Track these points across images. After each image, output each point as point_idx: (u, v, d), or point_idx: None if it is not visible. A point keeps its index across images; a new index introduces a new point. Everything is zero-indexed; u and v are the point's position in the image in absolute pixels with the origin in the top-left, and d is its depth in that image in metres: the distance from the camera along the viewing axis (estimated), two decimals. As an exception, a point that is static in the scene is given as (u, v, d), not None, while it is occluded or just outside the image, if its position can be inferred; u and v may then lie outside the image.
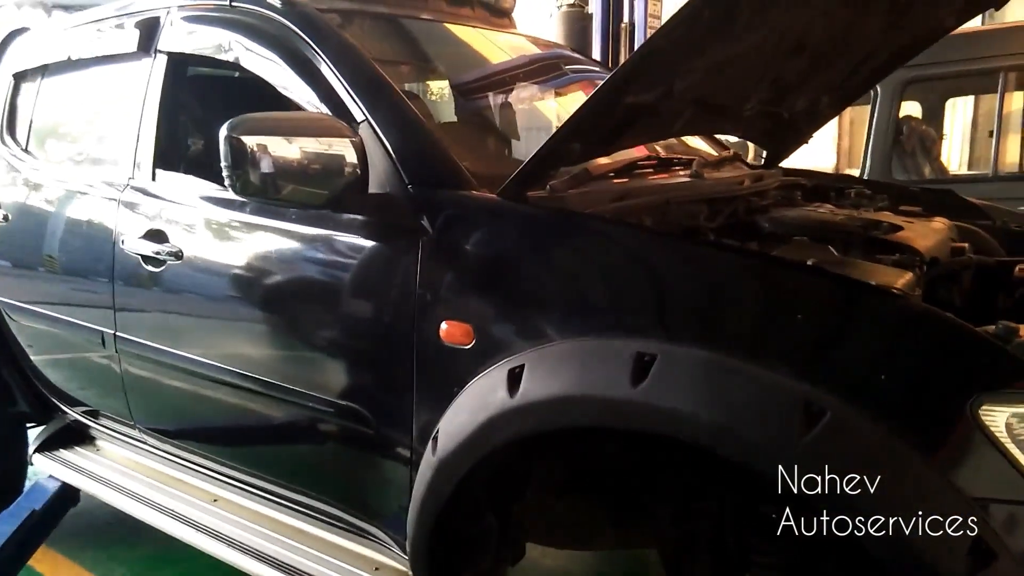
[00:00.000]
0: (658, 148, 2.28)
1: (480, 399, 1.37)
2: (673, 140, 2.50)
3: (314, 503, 1.93)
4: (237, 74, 2.19)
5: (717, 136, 2.65)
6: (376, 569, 1.81)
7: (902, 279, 1.31)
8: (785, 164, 2.66)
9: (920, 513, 0.99)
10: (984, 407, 1.02)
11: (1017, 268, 1.62)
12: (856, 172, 4.03)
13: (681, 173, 2.00)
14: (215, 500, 2.18)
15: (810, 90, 2.02)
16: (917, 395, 1.07)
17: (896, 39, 1.98)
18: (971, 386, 1.04)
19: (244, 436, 2.08)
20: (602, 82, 1.34)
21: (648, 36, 4.90)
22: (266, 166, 1.53)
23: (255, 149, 1.52)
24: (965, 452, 1.03)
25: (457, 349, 1.44)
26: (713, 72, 1.57)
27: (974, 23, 4.46)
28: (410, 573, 1.73)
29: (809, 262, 1.32)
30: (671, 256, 1.32)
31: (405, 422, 1.56)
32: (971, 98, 6.04)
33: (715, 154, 2.39)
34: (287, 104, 1.88)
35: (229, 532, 2.04)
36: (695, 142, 2.57)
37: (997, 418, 1.02)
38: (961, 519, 0.99)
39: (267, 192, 1.56)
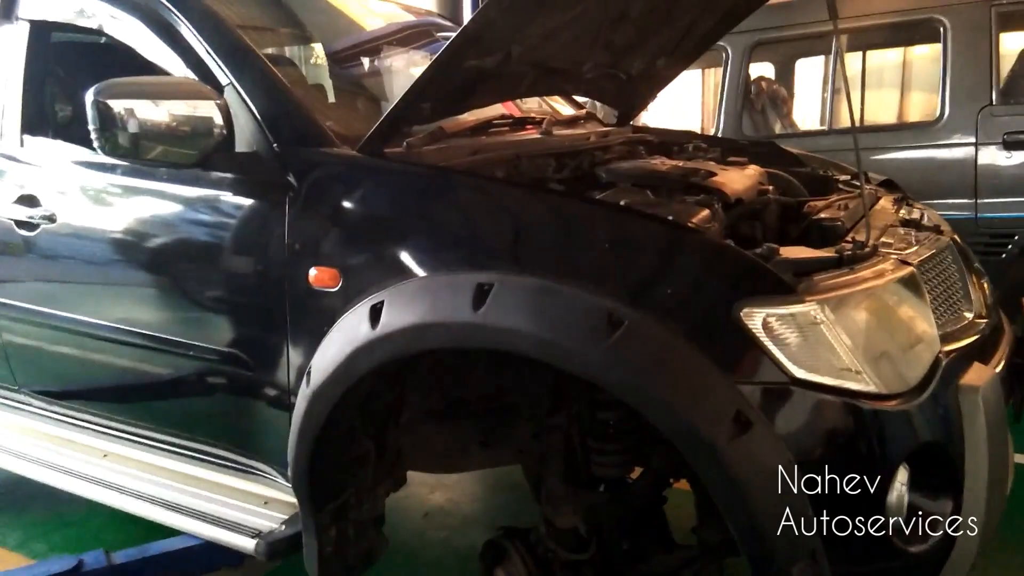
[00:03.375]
0: (516, 108, 2.49)
1: (347, 333, 1.54)
2: (534, 101, 2.71)
3: (203, 447, 2.06)
4: (104, 40, 2.23)
5: (576, 97, 2.89)
6: (265, 503, 1.97)
7: (698, 215, 1.56)
8: (662, 124, 2.92)
9: (693, 393, 1.25)
10: (745, 310, 1.29)
11: (807, 205, 1.92)
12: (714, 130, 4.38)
13: (533, 131, 2.21)
14: (105, 455, 2.26)
15: (643, 54, 2.27)
16: (695, 304, 1.33)
17: (717, 8, 2.25)
18: (736, 294, 1.30)
19: (132, 390, 2.17)
20: (442, 48, 1.52)
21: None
22: (133, 128, 1.64)
23: (122, 112, 1.62)
24: (731, 346, 1.29)
25: (326, 292, 1.61)
26: (546, 38, 1.77)
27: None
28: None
29: (621, 202, 1.56)
30: (506, 201, 1.52)
31: (281, 362, 1.72)
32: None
33: (570, 114, 2.62)
34: (155, 69, 1.96)
35: (122, 482, 2.13)
36: (557, 104, 2.80)
37: (756, 318, 1.29)
38: (725, 397, 1.25)
39: (136, 153, 1.67)
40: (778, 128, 4.74)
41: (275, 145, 1.71)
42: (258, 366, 1.78)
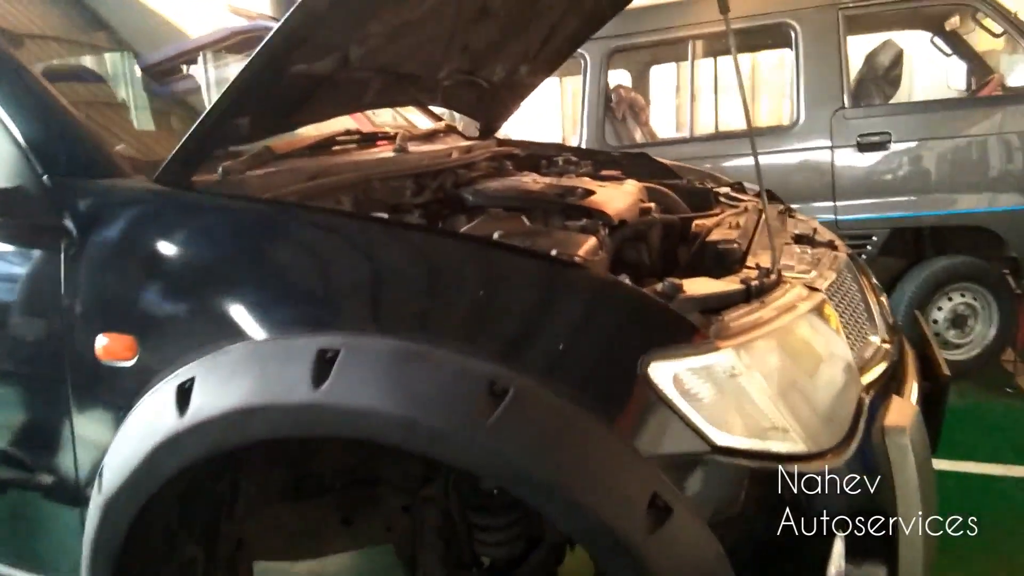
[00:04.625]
0: (368, 122, 2.18)
1: (146, 423, 1.18)
2: (388, 114, 2.41)
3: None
4: None
5: (432, 108, 2.60)
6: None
7: (585, 245, 1.32)
8: (520, 136, 2.68)
9: (602, 479, 1.00)
10: (652, 365, 1.05)
11: (694, 223, 1.73)
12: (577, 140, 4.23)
13: (386, 147, 1.91)
14: None
15: (505, 59, 2.02)
16: (593, 360, 1.08)
17: (581, 8, 2.04)
18: (640, 346, 1.06)
19: None
20: (255, 50, 1.19)
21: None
22: None
23: None
24: (640, 412, 1.05)
25: (119, 367, 1.24)
26: (392, 39, 1.48)
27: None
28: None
29: (495, 235, 1.29)
30: (353, 240, 1.21)
31: (66, 459, 1.32)
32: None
33: (426, 127, 2.34)
34: None
35: None
36: (414, 116, 2.50)
37: (665, 374, 1.05)
38: (639, 478, 1.01)
39: None
40: (639, 137, 4.67)
41: (45, 178, 1.32)
42: (36, 464, 1.36)
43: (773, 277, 1.30)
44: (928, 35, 4.14)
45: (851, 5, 3.60)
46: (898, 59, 3.94)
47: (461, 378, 1.03)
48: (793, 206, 3.66)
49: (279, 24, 1.16)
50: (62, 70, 1.96)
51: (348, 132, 1.83)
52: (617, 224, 1.64)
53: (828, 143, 3.65)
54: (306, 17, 1.18)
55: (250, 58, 1.19)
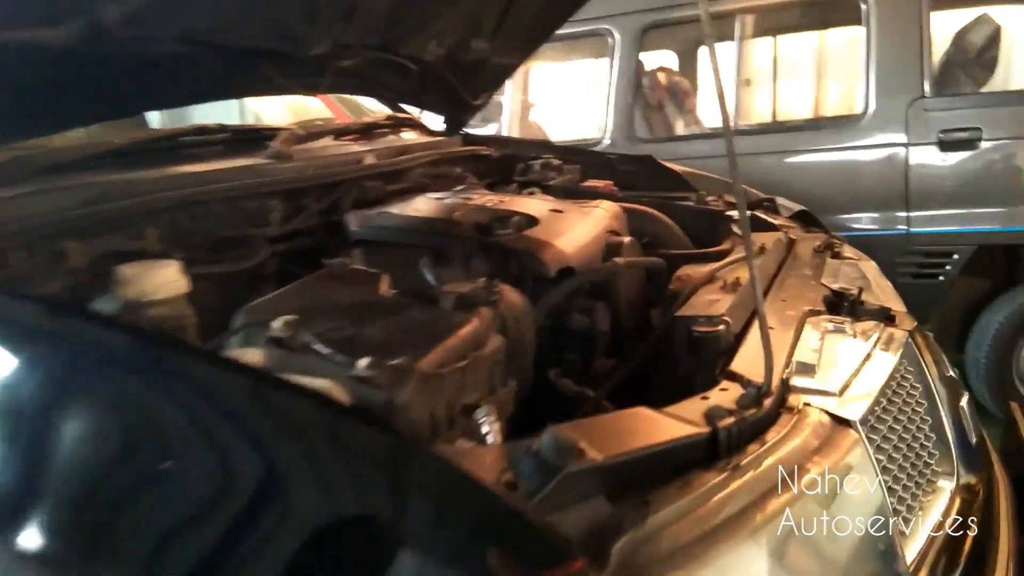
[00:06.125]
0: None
1: None
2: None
3: None
4: None
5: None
6: None
7: (443, 343, 0.78)
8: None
9: None
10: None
11: (675, 276, 1.17)
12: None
13: (260, 154, 1.39)
14: None
15: (435, 33, 1.47)
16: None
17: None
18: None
19: None
20: None
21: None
22: None
23: None
24: None
25: None
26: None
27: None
28: None
29: (275, 326, 0.75)
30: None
31: None
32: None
33: (351, 121, 1.82)
34: None
35: None
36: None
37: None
38: None
39: None
40: (680, 128, 4.04)
41: None
42: None
43: (767, 404, 0.75)
44: (1034, 8, 3.40)
45: (937, -27, 2.91)
46: (994, 39, 3.21)
47: None
48: (858, 216, 3.06)
49: None
50: None
51: (200, 130, 1.31)
52: (554, 275, 1.10)
53: (903, 139, 2.98)
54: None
55: None
